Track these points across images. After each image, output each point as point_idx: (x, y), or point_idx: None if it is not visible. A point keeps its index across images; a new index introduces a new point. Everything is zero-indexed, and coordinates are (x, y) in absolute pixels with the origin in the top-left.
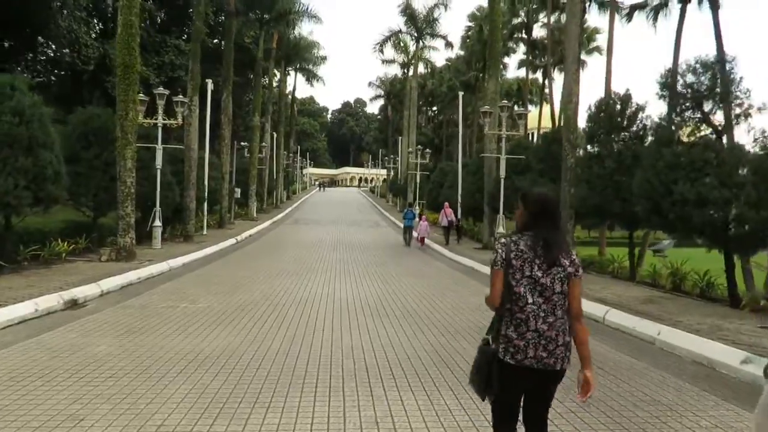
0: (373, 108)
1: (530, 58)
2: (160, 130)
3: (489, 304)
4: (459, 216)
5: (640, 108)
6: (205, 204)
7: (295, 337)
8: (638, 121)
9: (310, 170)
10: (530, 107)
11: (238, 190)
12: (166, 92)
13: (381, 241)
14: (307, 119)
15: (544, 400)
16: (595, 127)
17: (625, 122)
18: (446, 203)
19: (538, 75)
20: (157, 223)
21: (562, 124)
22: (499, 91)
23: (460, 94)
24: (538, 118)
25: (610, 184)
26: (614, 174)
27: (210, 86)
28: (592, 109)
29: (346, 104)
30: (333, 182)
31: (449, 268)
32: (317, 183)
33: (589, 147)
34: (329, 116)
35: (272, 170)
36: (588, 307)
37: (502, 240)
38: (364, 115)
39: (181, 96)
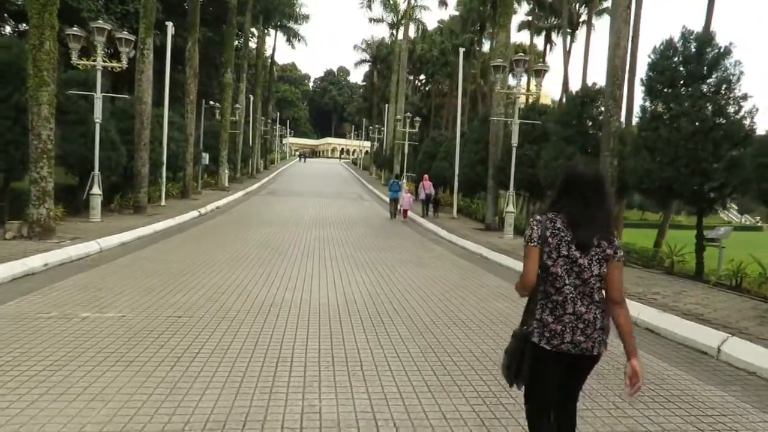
0: (357, 77)
1: (534, 17)
2: (99, 73)
3: (521, 287)
4: (437, 191)
5: (724, 52)
6: (164, 169)
7: (238, 397)
8: (720, 70)
9: (291, 140)
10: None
11: (206, 156)
12: (107, 26)
13: (366, 217)
14: (288, 86)
15: (577, 383)
16: (661, 78)
17: (704, 70)
18: (425, 176)
19: (539, 41)
20: (96, 190)
21: (606, 77)
22: (509, 44)
23: (461, 50)
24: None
25: (685, 153)
26: (690, 140)
27: (171, 30)
28: (652, 57)
29: (329, 72)
30: (314, 153)
31: (451, 254)
32: (297, 153)
33: (648, 104)
34: (311, 84)
35: (248, 136)
36: (678, 326)
37: (538, 216)
38: (347, 85)
39: (126, 32)
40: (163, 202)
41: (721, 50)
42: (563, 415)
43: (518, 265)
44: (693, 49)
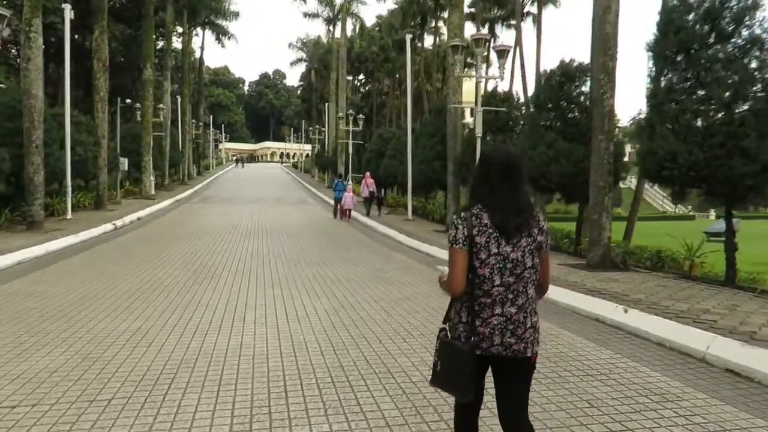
0: (293, 79)
1: (478, 9)
2: None
3: (448, 290)
4: (382, 189)
5: (752, 5)
6: (68, 176)
7: None
8: (744, 25)
9: (227, 145)
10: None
11: (124, 161)
12: None
13: (312, 222)
14: (222, 90)
15: (517, 387)
16: (673, 41)
17: (731, 27)
18: (367, 173)
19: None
20: None
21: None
22: (463, 25)
23: (407, 36)
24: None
25: (719, 129)
26: (726, 112)
27: (69, 13)
28: (663, 16)
29: (264, 75)
30: (252, 158)
31: (417, 262)
32: (234, 158)
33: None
34: (246, 88)
35: (177, 141)
36: None
37: (462, 214)
38: (284, 88)
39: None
40: (68, 215)
41: (749, 2)
42: (513, 427)
43: None
44: (717, 2)
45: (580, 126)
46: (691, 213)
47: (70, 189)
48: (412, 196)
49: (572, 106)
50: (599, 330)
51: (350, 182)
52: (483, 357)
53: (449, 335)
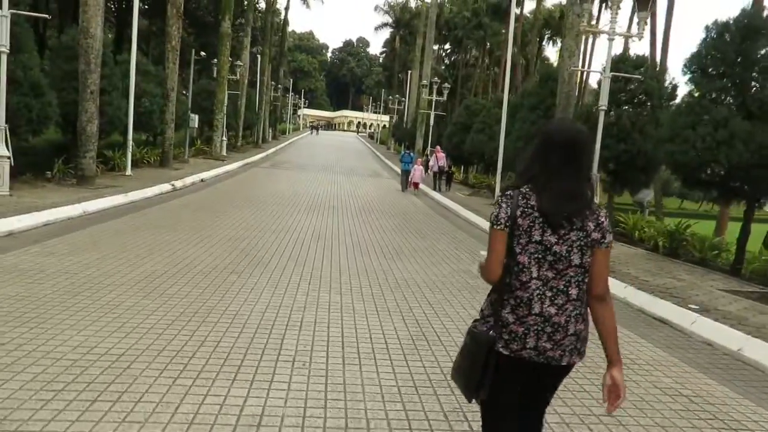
0: (376, 47)
1: None
2: None
3: (484, 276)
4: (450, 162)
5: None
6: (130, 128)
7: None
8: None
9: (306, 111)
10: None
11: (195, 117)
12: None
13: (385, 198)
14: (305, 56)
15: (543, 397)
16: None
17: None
18: (437, 147)
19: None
20: (2, 151)
21: None
22: None
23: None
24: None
25: None
26: None
27: None
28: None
29: (347, 43)
30: (330, 125)
31: None
32: (310, 124)
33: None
34: (329, 55)
35: (254, 102)
36: None
37: (509, 192)
38: (366, 56)
39: None
40: (128, 171)
41: None
42: (524, 426)
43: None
44: None
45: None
46: None
47: (131, 143)
48: (497, 177)
49: (754, 72)
50: None
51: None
52: (510, 359)
53: (477, 327)
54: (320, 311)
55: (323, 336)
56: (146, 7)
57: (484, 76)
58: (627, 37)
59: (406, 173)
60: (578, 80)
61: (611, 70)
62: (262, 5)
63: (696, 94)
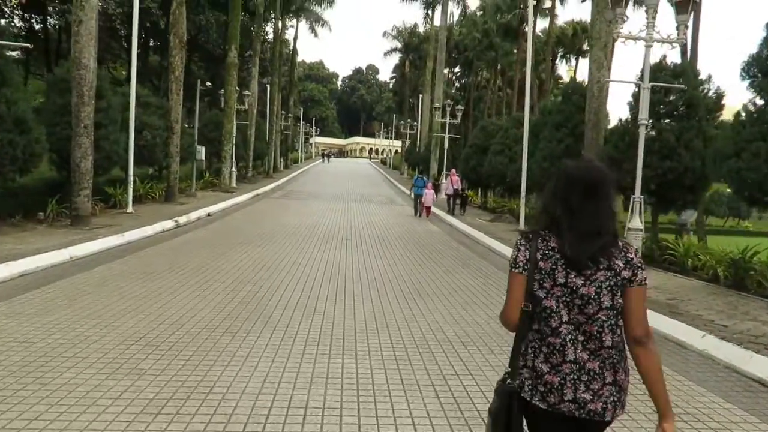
0: (386, 72)
1: None
2: None
3: (503, 321)
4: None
5: None
6: (130, 164)
7: None
8: None
9: (317, 139)
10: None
11: (201, 149)
12: None
13: (401, 226)
14: (315, 85)
15: None
16: None
17: None
18: (453, 170)
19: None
20: None
21: None
22: None
23: (531, 7)
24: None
25: None
26: None
27: None
28: None
29: (357, 71)
30: (342, 153)
31: None
32: (322, 152)
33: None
34: (339, 83)
35: (264, 132)
36: None
37: (529, 234)
38: (376, 83)
39: None
40: (129, 208)
41: None
42: None
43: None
44: None
45: None
46: None
47: (132, 178)
48: (520, 201)
49: None
50: None
51: (449, 179)
52: (548, 415)
53: (508, 381)
54: (330, 388)
55: (335, 429)
56: (158, 43)
57: (496, 98)
58: (667, 43)
59: (418, 197)
60: (605, 94)
61: (649, 80)
62: (271, 36)
63: (760, 102)
